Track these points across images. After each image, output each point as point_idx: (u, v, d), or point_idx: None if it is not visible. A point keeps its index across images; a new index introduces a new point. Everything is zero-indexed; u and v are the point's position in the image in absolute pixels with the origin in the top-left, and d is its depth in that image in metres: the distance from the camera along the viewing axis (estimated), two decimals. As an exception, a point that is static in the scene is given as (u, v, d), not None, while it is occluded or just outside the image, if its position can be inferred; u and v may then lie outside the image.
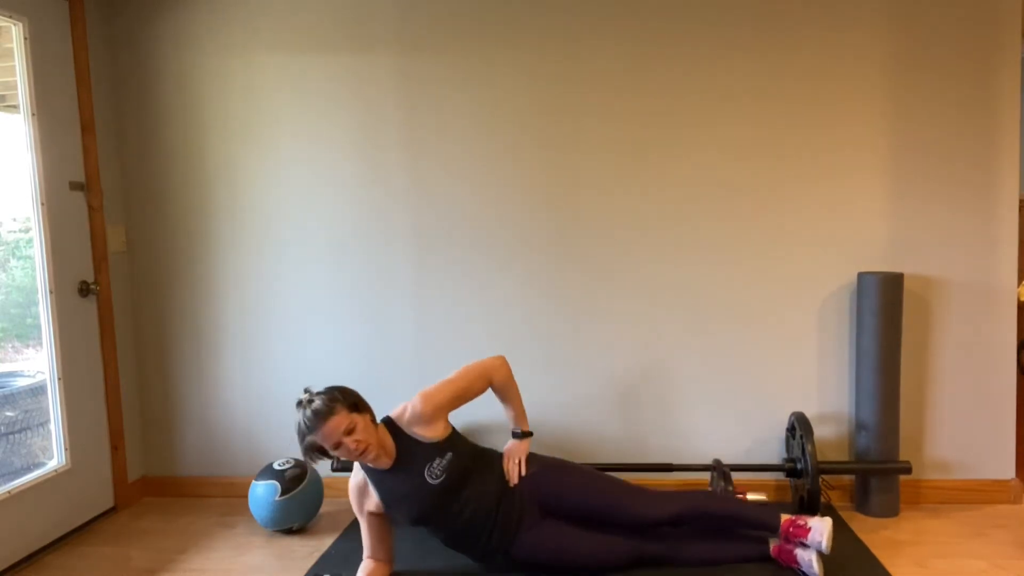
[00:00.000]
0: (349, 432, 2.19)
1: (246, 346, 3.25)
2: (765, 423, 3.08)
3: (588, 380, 3.12)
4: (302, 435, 2.22)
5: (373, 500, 2.36)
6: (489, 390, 2.46)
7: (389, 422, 2.36)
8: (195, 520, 3.07)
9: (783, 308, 3.03)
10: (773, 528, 2.40)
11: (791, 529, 2.37)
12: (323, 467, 3.15)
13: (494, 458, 2.45)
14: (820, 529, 2.31)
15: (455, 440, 2.36)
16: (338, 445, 2.19)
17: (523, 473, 2.39)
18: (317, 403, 2.20)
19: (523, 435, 2.48)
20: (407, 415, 2.33)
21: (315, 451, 2.24)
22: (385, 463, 2.30)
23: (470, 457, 2.36)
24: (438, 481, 2.27)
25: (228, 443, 3.30)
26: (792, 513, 2.45)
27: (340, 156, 3.13)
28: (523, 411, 2.50)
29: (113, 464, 3.16)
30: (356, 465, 2.42)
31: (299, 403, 2.24)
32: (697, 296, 3.05)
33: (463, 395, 2.37)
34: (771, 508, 2.45)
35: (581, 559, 2.34)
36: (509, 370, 2.44)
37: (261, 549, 2.78)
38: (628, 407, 3.12)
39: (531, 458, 2.45)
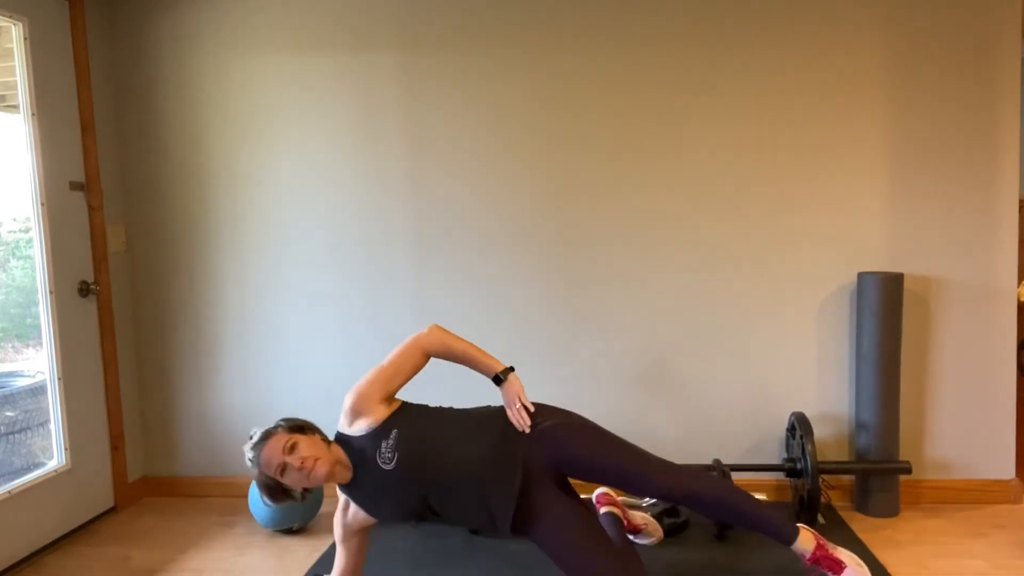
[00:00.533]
0: (291, 450, 2.01)
1: (246, 346, 3.25)
2: (765, 423, 3.08)
3: (587, 380, 3.12)
4: (253, 475, 2.07)
5: (360, 515, 2.23)
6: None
7: (339, 436, 2.18)
8: (195, 520, 3.07)
9: (783, 308, 3.03)
10: (787, 542, 2.19)
11: (821, 558, 2.16)
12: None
13: (458, 414, 2.22)
14: (862, 574, 2.13)
15: (397, 416, 2.15)
16: (284, 468, 2.00)
17: (531, 409, 2.14)
18: (256, 435, 2.08)
19: (505, 374, 2.17)
20: (345, 418, 2.18)
21: (271, 488, 2.06)
22: (346, 476, 2.14)
23: (422, 424, 2.15)
24: (392, 464, 2.07)
25: (228, 443, 3.30)
26: (795, 513, 2.37)
27: (340, 156, 3.13)
28: (485, 355, 2.19)
29: (113, 464, 3.16)
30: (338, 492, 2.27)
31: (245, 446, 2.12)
32: (697, 296, 3.05)
33: (395, 375, 2.16)
34: (789, 523, 2.22)
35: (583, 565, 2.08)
36: (442, 332, 2.20)
37: (261, 549, 2.78)
38: (628, 406, 3.12)
39: (540, 409, 2.19)
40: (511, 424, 2.14)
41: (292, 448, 2.02)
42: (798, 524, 2.20)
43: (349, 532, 2.27)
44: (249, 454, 2.06)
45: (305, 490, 2.11)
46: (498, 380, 2.18)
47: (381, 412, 2.15)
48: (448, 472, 2.08)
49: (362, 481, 2.13)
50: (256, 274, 3.22)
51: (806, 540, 2.16)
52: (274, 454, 2.01)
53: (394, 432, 2.10)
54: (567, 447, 2.13)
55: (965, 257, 2.94)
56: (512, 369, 2.19)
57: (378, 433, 2.12)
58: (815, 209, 2.98)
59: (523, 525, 2.10)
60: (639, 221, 3.05)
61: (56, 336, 2.85)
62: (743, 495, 2.20)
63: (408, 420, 2.15)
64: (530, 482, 2.09)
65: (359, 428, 2.14)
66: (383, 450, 2.09)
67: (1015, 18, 2.84)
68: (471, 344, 2.21)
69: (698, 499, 2.14)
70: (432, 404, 2.29)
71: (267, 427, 2.09)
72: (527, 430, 2.11)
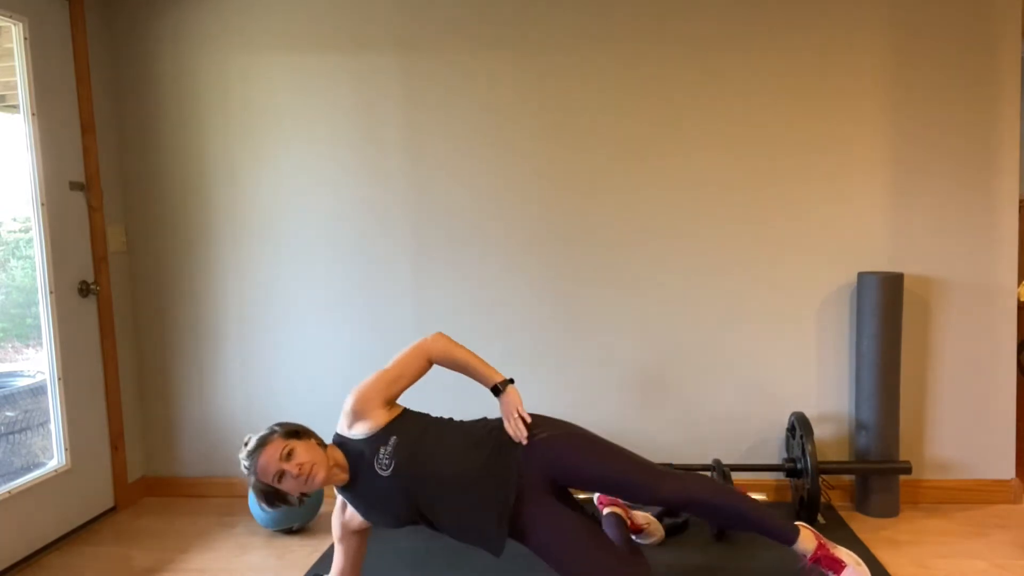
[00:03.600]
0: (288, 457, 2.01)
1: (246, 346, 3.25)
2: (765, 423, 3.08)
3: (588, 381, 3.12)
4: (250, 483, 2.06)
5: (358, 516, 2.24)
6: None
7: (337, 437, 2.19)
8: (195, 520, 3.07)
9: (783, 308, 3.03)
10: (788, 543, 2.19)
11: (822, 557, 2.16)
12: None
13: (457, 426, 2.21)
14: (861, 573, 2.14)
15: (398, 423, 2.15)
16: (281, 475, 2.00)
17: (527, 421, 2.13)
18: (251, 442, 2.07)
19: (504, 386, 2.17)
20: (345, 420, 2.17)
21: (268, 494, 2.06)
22: (343, 478, 2.14)
23: (420, 433, 2.13)
24: (389, 471, 2.06)
25: (228, 443, 3.30)
26: (796, 513, 2.38)
27: (340, 156, 3.13)
28: (486, 366, 2.19)
29: (113, 464, 3.16)
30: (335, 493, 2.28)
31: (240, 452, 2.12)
32: (697, 296, 3.05)
33: (397, 379, 2.16)
34: (789, 523, 2.22)
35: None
36: (447, 340, 2.20)
37: (261, 549, 2.78)
38: (627, 407, 3.12)
39: (538, 421, 2.19)
40: (507, 436, 2.14)
41: (289, 455, 2.01)
42: (798, 523, 2.20)
43: (347, 531, 2.27)
44: (245, 462, 2.05)
45: (302, 495, 2.10)
46: (496, 391, 2.19)
47: (382, 417, 2.15)
48: (443, 483, 2.08)
49: (358, 484, 2.13)
50: (256, 274, 3.22)
51: (807, 540, 2.16)
52: (271, 461, 2.01)
53: (393, 439, 2.10)
54: (563, 458, 2.12)
55: (965, 257, 2.94)
56: (511, 381, 2.20)
57: (377, 438, 2.12)
58: (815, 209, 2.98)
59: (521, 535, 2.10)
60: (639, 222, 3.05)
61: (56, 336, 2.85)
62: (742, 498, 2.19)
63: (408, 428, 2.14)
64: (526, 493, 2.08)
65: (358, 431, 2.14)
66: (381, 456, 2.09)
67: (1015, 18, 2.84)
68: (473, 354, 2.22)
69: (698, 505, 2.14)
70: (433, 414, 2.28)
71: (262, 433, 2.08)
72: (524, 441, 2.11)
